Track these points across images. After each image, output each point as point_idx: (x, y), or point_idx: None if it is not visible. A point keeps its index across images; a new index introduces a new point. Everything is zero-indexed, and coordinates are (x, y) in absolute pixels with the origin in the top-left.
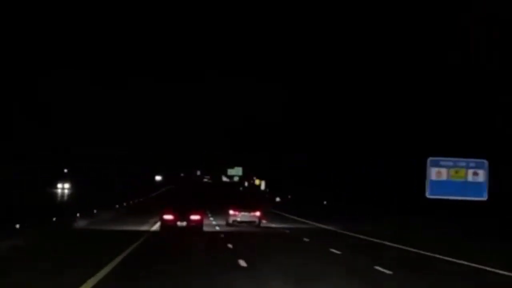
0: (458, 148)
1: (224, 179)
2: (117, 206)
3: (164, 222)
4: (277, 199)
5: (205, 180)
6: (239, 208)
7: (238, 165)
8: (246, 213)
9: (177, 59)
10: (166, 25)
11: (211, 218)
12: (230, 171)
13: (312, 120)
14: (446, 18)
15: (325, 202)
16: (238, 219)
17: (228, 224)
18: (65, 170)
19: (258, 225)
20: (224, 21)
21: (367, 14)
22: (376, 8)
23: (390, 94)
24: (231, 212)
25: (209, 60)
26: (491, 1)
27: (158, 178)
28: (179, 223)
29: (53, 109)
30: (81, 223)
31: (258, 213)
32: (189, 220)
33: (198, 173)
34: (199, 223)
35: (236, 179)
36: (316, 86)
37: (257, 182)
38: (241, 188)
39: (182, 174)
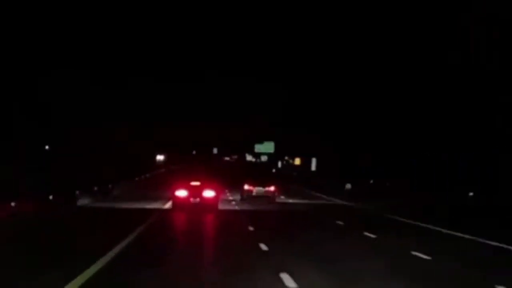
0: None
1: (249, 158)
2: None
3: (176, 199)
4: (348, 185)
5: (227, 159)
6: (254, 183)
7: (269, 140)
8: (261, 188)
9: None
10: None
11: (228, 194)
12: (258, 147)
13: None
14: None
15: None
16: (253, 194)
17: (242, 199)
18: (46, 147)
19: (273, 200)
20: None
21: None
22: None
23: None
24: (246, 187)
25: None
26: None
27: (160, 157)
28: (192, 200)
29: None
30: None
31: (272, 188)
32: (202, 197)
33: (215, 151)
34: (214, 201)
35: (264, 158)
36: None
37: (297, 161)
38: (274, 170)
39: (194, 152)
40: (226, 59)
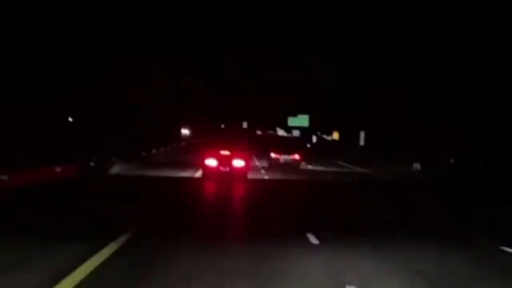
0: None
1: (280, 132)
2: None
3: (206, 168)
4: (416, 165)
5: (259, 133)
6: (280, 151)
7: (303, 113)
8: (286, 156)
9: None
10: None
11: (257, 162)
12: (292, 121)
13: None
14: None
15: None
16: (280, 161)
17: (270, 166)
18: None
19: (298, 167)
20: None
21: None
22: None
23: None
24: (272, 155)
25: (240, 26)
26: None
27: (185, 131)
28: (222, 169)
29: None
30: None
31: (297, 156)
32: (232, 167)
33: (245, 125)
34: (244, 170)
35: (296, 133)
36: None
37: (335, 135)
38: (308, 145)
39: (222, 126)
40: (260, 28)
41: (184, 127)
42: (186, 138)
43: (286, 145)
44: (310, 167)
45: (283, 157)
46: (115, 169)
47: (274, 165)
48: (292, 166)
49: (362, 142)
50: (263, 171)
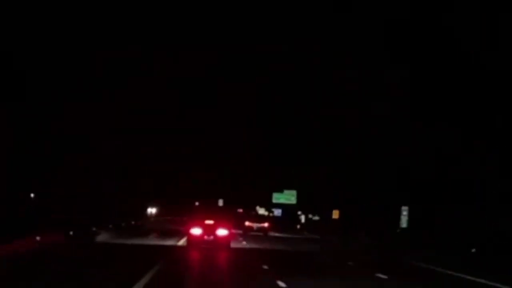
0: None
1: (261, 211)
2: None
3: (191, 236)
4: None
5: (240, 211)
6: (253, 220)
7: (290, 188)
8: (258, 224)
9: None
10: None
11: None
12: (277, 197)
13: None
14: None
15: None
16: (254, 228)
17: (245, 232)
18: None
19: (267, 233)
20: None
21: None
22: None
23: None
24: (247, 223)
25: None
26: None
27: (151, 210)
28: (206, 237)
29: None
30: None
31: (267, 224)
32: (216, 236)
33: (221, 203)
34: (227, 239)
35: (278, 212)
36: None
37: (335, 214)
38: (298, 226)
39: (197, 203)
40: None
41: (152, 206)
42: (152, 216)
43: (261, 219)
44: (276, 234)
45: (255, 225)
46: (101, 237)
47: (248, 231)
48: (262, 232)
49: (404, 224)
50: (240, 238)
